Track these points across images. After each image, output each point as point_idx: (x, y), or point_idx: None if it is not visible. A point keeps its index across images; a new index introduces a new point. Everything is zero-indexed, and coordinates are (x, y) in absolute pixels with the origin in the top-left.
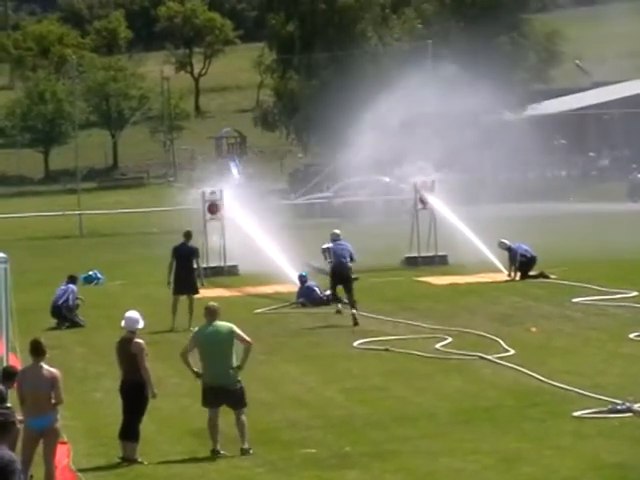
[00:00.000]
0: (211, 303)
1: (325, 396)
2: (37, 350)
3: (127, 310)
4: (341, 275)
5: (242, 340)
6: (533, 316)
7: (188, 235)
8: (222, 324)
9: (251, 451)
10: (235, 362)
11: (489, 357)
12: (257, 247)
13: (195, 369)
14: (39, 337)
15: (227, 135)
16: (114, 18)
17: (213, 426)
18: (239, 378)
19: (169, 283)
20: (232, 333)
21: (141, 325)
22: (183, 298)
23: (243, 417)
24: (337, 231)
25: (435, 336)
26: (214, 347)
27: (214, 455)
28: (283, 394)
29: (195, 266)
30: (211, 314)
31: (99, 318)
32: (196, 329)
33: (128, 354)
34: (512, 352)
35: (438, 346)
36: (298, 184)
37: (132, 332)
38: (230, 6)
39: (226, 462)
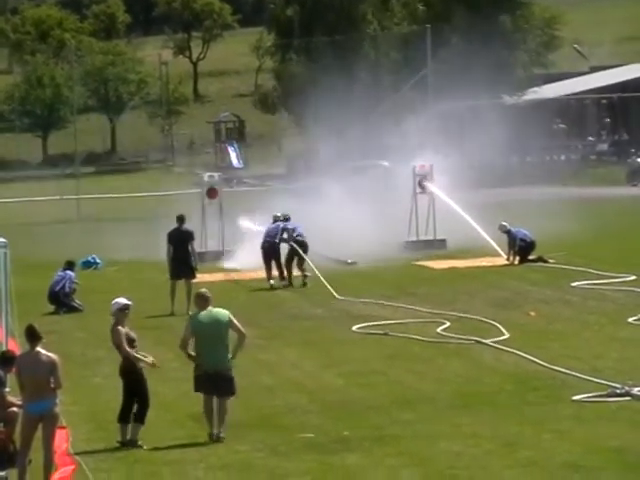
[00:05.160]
0: (203, 290)
1: (324, 380)
2: (32, 335)
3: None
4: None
5: (237, 330)
6: (532, 300)
7: (181, 219)
8: (219, 310)
9: (222, 437)
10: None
11: (486, 341)
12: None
13: (192, 353)
14: (33, 322)
15: (226, 120)
16: (113, 2)
17: (209, 410)
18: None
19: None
20: (229, 320)
21: (115, 308)
22: (181, 283)
23: (227, 405)
24: (278, 214)
25: (434, 320)
26: (212, 333)
27: (212, 439)
28: (282, 379)
29: (190, 249)
30: (205, 301)
31: (97, 303)
32: (194, 316)
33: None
34: (507, 335)
35: (439, 330)
36: (296, 169)
37: (112, 315)
38: None
39: (225, 447)
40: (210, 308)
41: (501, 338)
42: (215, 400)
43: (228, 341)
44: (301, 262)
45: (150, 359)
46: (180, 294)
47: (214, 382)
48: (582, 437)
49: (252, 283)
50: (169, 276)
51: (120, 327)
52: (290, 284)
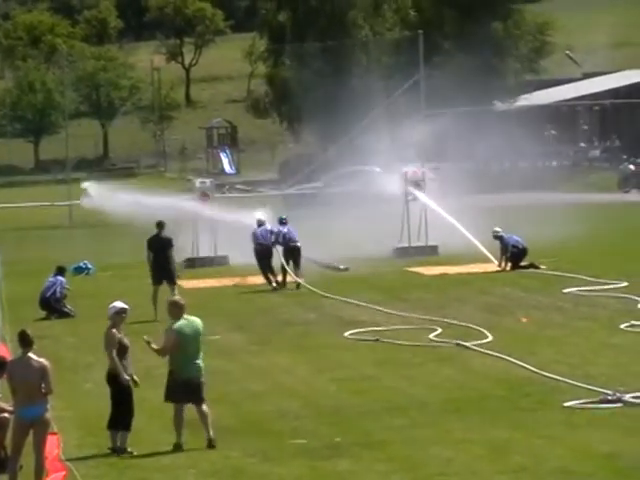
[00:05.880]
0: (176, 297)
1: (316, 386)
2: (25, 341)
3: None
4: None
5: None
6: (524, 306)
7: (161, 225)
8: (195, 319)
9: (214, 440)
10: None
11: (466, 344)
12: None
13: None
14: (26, 328)
15: (218, 125)
16: (104, 8)
17: (180, 420)
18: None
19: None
20: (202, 329)
21: (112, 311)
22: (163, 288)
23: (204, 407)
24: (262, 218)
25: (426, 327)
26: (194, 343)
27: (178, 449)
28: (274, 384)
29: (170, 256)
30: (180, 309)
31: (89, 308)
32: (174, 326)
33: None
34: (490, 338)
35: (431, 336)
36: (288, 174)
37: (109, 319)
38: None
39: (217, 452)
40: (186, 316)
41: (484, 341)
42: (193, 410)
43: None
44: (296, 267)
45: (127, 377)
46: (162, 298)
47: (188, 391)
48: (573, 443)
49: (243, 288)
50: (151, 281)
51: (115, 331)
52: (284, 286)
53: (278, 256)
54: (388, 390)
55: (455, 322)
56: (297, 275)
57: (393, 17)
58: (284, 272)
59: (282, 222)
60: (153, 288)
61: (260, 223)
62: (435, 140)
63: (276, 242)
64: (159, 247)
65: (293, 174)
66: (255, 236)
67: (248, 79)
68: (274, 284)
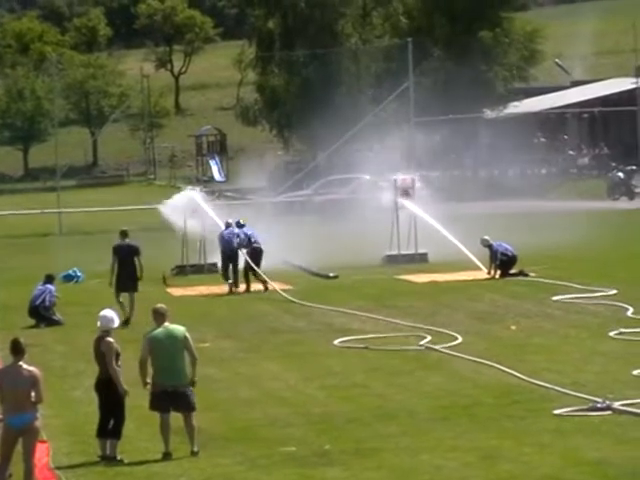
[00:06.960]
0: (159, 305)
1: (305, 393)
2: (16, 349)
3: (103, 309)
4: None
5: (190, 352)
6: (513, 314)
7: (124, 234)
8: (175, 327)
9: (197, 452)
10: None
11: (436, 347)
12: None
13: (148, 380)
14: (18, 337)
15: (207, 133)
16: (94, 15)
17: (166, 428)
18: (189, 381)
19: (111, 284)
20: (184, 337)
21: (116, 324)
22: (125, 294)
23: (193, 421)
24: (230, 220)
25: (414, 334)
26: (169, 350)
27: (167, 457)
28: (263, 391)
29: (137, 263)
30: (162, 316)
31: (78, 316)
32: (150, 333)
33: (100, 352)
34: (460, 340)
35: (422, 344)
36: (278, 182)
37: (106, 331)
38: (210, 3)
39: (206, 460)
40: (166, 324)
41: (454, 343)
42: (181, 418)
43: (184, 357)
44: (255, 272)
45: (124, 387)
46: (127, 303)
47: (173, 399)
48: (563, 450)
49: (232, 296)
50: (114, 290)
51: (111, 339)
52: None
53: (243, 260)
54: (378, 398)
55: (416, 326)
56: (255, 277)
57: (382, 25)
58: (251, 276)
59: (239, 225)
60: (115, 295)
61: (228, 225)
62: (424, 148)
63: (240, 245)
64: (126, 254)
65: (282, 181)
66: (222, 237)
67: (237, 87)
68: (232, 288)
